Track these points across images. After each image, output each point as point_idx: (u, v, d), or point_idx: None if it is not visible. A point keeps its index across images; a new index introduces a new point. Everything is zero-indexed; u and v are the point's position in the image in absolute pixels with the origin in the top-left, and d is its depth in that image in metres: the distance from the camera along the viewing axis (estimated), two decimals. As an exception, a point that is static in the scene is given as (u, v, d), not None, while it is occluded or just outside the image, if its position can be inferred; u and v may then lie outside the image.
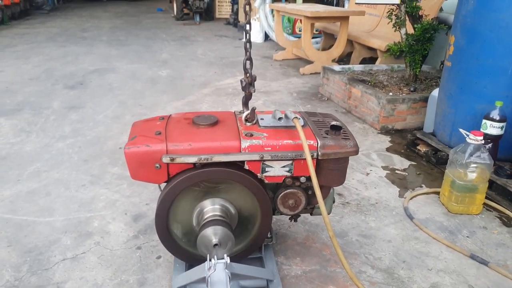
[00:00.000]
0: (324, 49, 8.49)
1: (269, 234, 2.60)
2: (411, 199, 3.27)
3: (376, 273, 2.47)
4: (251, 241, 2.49)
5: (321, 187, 2.39)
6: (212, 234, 2.19)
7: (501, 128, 3.27)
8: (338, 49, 7.41)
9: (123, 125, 4.70)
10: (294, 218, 2.74)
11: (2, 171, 3.65)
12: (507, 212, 3.01)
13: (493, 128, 3.24)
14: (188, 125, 2.42)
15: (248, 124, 2.43)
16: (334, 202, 2.74)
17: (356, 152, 2.38)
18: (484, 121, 3.27)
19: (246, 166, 2.30)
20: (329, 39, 8.69)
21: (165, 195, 2.29)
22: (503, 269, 2.36)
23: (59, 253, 2.62)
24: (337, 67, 6.17)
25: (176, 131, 2.35)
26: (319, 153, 2.31)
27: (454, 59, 3.72)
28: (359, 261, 2.59)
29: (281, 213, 2.47)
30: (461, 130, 3.04)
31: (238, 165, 2.32)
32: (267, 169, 2.33)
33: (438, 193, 3.33)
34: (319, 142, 2.32)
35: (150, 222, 2.96)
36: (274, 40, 9.38)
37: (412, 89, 4.89)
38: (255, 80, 2.40)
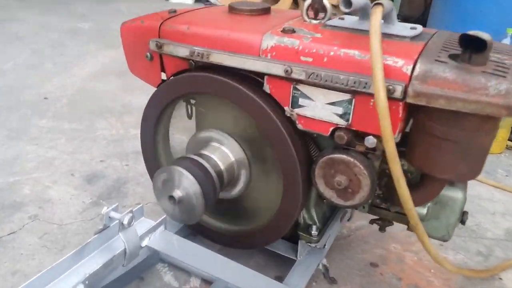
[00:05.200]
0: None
1: (314, 229, 1.36)
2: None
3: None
4: (264, 221, 1.33)
5: (422, 175, 1.14)
6: (177, 180, 1.18)
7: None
8: (285, 5, 6.05)
9: (44, 73, 3.46)
10: (380, 225, 1.41)
11: None
12: None
13: None
14: (223, 11, 1.39)
15: (314, 21, 1.23)
16: (463, 219, 1.26)
17: (507, 108, 0.90)
18: None
19: (266, 87, 1.15)
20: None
21: (146, 106, 1.39)
22: None
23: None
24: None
25: (196, 14, 1.37)
26: (410, 90, 0.95)
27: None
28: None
29: (324, 197, 1.21)
30: None
31: (257, 82, 1.19)
32: (301, 101, 1.12)
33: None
34: (418, 66, 0.95)
35: (113, 182, 1.99)
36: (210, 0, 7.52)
37: None
38: None
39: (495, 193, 2.10)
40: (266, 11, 1.33)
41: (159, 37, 1.28)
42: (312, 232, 1.36)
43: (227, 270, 1.11)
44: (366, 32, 1.10)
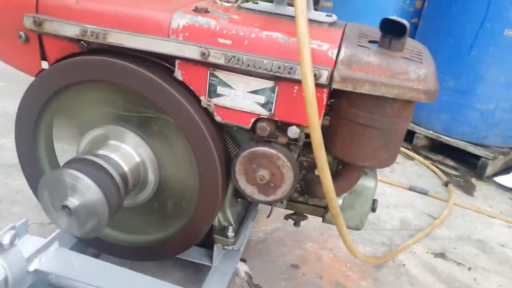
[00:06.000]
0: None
1: (230, 230, 1.23)
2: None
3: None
4: (178, 227, 1.16)
5: (339, 165, 1.13)
6: (71, 186, 0.93)
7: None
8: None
9: None
10: (295, 219, 1.34)
11: None
12: (403, 149, 2.70)
13: None
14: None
15: (226, 4, 1.11)
16: (374, 207, 1.25)
17: (426, 93, 0.90)
18: None
19: (178, 74, 0.98)
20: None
21: (21, 102, 1.10)
22: (439, 195, 2.24)
23: None
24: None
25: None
26: (336, 75, 0.89)
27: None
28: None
29: (245, 195, 1.09)
30: None
31: (165, 68, 1.01)
32: (219, 90, 0.98)
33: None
34: (343, 50, 0.90)
35: None
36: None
37: None
38: None
39: (385, 188, 2.25)
40: (169, -9, 1.17)
41: (36, 13, 1.02)
42: (229, 233, 1.24)
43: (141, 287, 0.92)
44: (284, 16, 1.03)
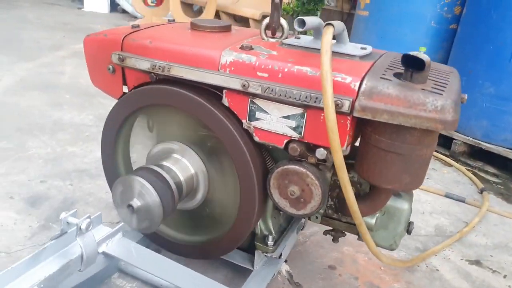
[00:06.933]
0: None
1: (270, 239, 1.36)
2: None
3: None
4: (222, 231, 1.32)
5: (370, 186, 1.19)
6: (136, 190, 1.15)
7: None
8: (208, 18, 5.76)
9: None
10: (333, 235, 1.43)
11: None
12: (440, 156, 2.71)
13: None
14: (185, 27, 1.41)
15: (271, 40, 1.26)
16: (409, 229, 1.29)
17: (443, 123, 0.95)
18: None
19: (225, 100, 1.16)
20: (188, 10, 6.61)
21: (107, 118, 1.36)
22: (476, 202, 2.18)
23: None
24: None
25: (159, 29, 1.37)
26: (357, 105, 0.99)
27: (372, 8, 3.22)
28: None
29: (279, 207, 1.21)
30: None
31: (216, 96, 1.20)
32: (257, 114, 1.13)
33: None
34: (365, 83, 0.99)
35: (59, 204, 1.77)
36: (126, 9, 7.10)
37: None
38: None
39: (421, 194, 2.21)
40: (226, 28, 1.36)
41: (121, 51, 1.27)
42: (268, 242, 1.36)
43: (184, 278, 1.09)
44: (319, 51, 1.14)
